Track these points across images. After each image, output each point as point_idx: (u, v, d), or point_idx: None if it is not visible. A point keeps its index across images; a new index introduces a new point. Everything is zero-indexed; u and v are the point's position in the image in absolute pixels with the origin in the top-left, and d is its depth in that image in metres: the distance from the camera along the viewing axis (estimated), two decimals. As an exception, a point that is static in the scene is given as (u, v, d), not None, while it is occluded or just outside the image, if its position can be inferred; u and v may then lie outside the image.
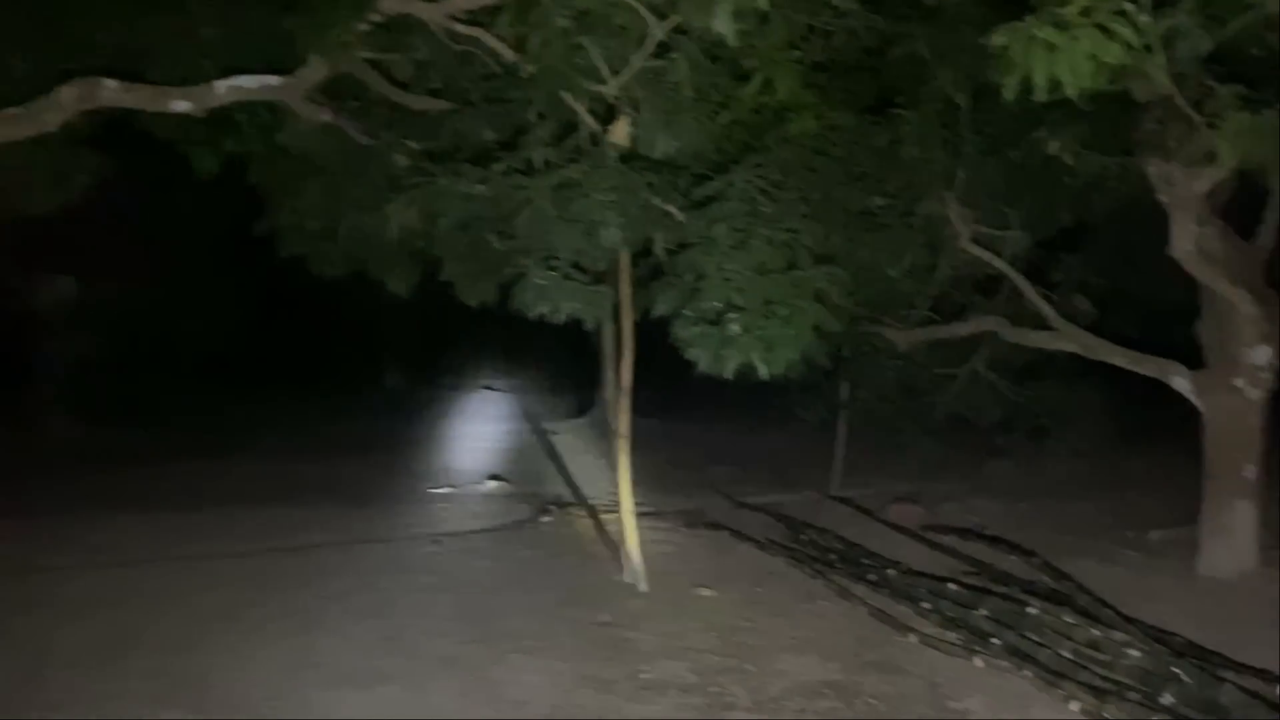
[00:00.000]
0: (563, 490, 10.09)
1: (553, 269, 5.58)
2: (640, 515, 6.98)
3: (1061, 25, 3.49)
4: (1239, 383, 6.68)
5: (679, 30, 5.07)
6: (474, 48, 6.28)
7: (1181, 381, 6.94)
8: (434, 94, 6.95)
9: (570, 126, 5.73)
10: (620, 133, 5.37)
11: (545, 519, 8.73)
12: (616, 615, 6.03)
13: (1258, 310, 6.54)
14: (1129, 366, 7.20)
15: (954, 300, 8.58)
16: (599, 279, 5.94)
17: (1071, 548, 7.55)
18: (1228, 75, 4.98)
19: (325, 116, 6.91)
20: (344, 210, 7.90)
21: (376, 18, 5.94)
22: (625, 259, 6.29)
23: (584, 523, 8.49)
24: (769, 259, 5.39)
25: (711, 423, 14.88)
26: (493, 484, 10.73)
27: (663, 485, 10.14)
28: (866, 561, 7.07)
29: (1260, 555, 6.74)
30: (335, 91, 7.30)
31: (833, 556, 7.34)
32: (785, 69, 5.65)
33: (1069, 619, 5.38)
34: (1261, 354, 6.63)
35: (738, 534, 8.02)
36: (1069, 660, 4.99)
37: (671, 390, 11.39)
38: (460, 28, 6.01)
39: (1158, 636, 5.34)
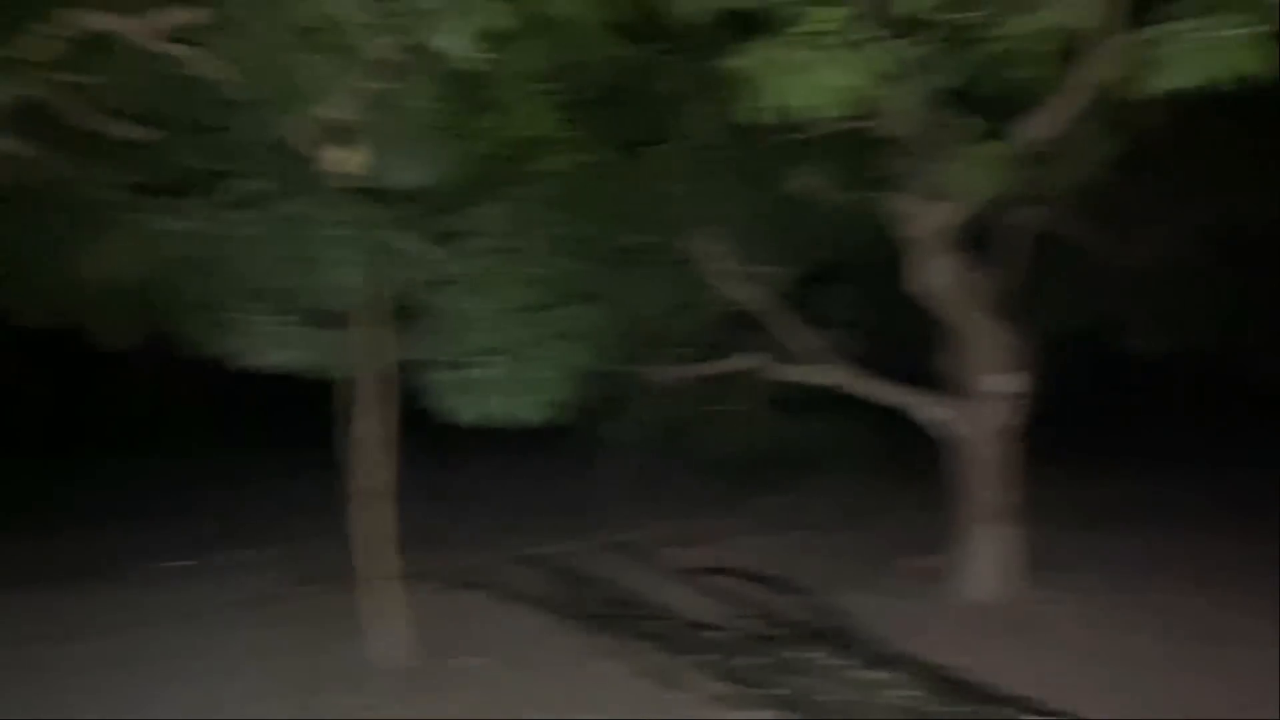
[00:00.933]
0: (326, 556, 9.26)
1: (281, 314, 4.99)
2: (404, 579, 6.38)
3: (800, 47, 3.35)
4: (980, 411, 6.88)
5: (413, 51, 4.67)
6: (188, 70, 5.63)
7: (927, 412, 7.11)
8: (150, 121, 6.20)
9: (298, 157, 5.19)
10: (353, 162, 4.88)
11: (301, 589, 7.93)
12: (369, 697, 5.43)
13: (994, 340, 6.79)
14: (882, 399, 7.34)
15: (721, 336, 8.55)
16: (339, 322, 5.38)
17: (842, 581, 7.58)
18: (965, 112, 5.10)
19: (9, 146, 6.00)
20: (45, 253, 6.95)
21: (69, 33, 5.19)
22: (375, 300, 5.75)
23: (344, 593, 7.74)
24: (521, 298, 5.04)
25: (485, 470, 14.29)
26: (243, 553, 9.72)
27: (430, 542, 9.50)
28: (641, 614, 6.81)
29: (1016, 578, 6.93)
30: (34, 118, 6.42)
31: (608, 610, 7.03)
32: (531, 100, 5.37)
33: (838, 660, 5.28)
34: (1000, 382, 6.86)
35: (510, 592, 7.56)
36: (839, 703, 4.86)
37: (440, 438, 10.80)
38: (173, 48, 5.35)
39: (923, 671, 5.34)
